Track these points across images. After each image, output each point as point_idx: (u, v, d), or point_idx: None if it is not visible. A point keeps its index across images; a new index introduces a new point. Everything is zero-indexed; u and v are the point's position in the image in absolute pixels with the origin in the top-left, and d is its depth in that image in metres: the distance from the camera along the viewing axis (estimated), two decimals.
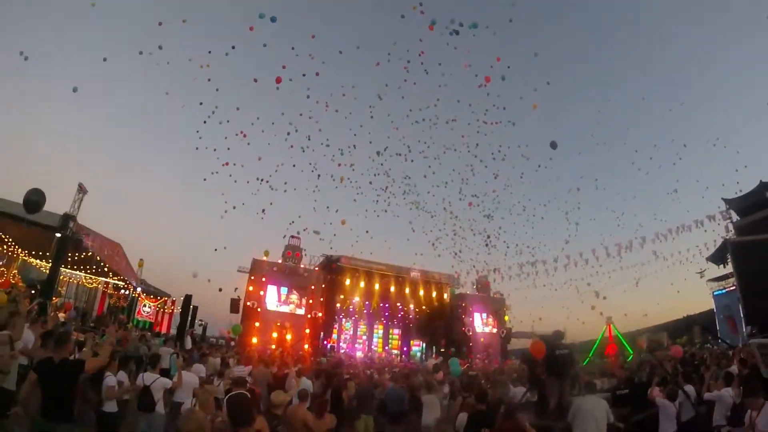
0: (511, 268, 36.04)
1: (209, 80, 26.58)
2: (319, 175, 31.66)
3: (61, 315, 22.33)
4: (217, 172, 28.96)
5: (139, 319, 35.87)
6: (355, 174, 33.01)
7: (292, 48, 28.14)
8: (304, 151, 30.18)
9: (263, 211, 30.92)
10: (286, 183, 31.87)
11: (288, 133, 29.28)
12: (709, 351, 26.84)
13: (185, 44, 45.94)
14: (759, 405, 7.80)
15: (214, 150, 28.70)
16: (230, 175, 28.59)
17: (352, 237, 36.54)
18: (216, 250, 34.05)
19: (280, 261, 38.32)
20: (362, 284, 40.08)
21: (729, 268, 33.53)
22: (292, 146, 29.77)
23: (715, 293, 36.78)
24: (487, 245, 34.98)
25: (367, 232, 37.00)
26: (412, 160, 32.64)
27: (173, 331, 35.79)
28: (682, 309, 39.44)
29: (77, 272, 33.38)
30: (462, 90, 33.22)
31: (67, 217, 24.29)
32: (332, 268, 40.18)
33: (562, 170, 66.62)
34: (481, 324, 42.42)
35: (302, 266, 39.31)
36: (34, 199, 19.81)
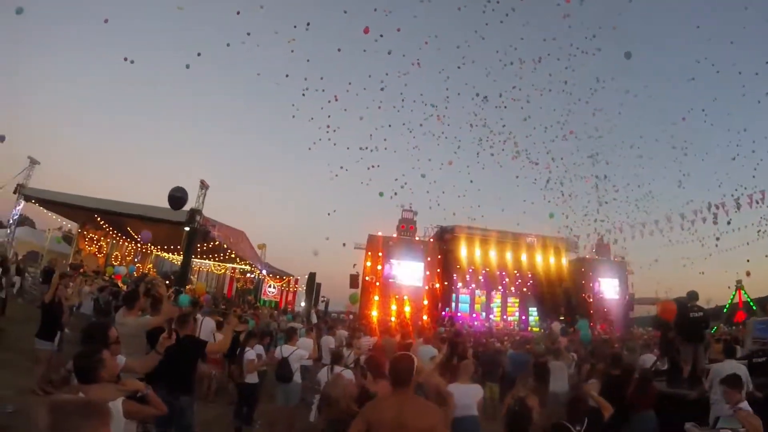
0: (633, 227, 34.56)
1: (292, 51, 28.58)
2: (421, 130, 32.04)
3: None
4: (320, 139, 30.08)
5: (265, 299, 37.60)
6: (452, 128, 33.12)
7: (375, 9, 28.46)
8: (398, 111, 30.83)
9: (370, 168, 31.41)
10: (385, 139, 32.56)
11: (381, 89, 29.83)
12: None
13: (268, 25, 47.20)
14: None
15: (311, 119, 29.68)
16: (329, 140, 29.61)
17: (459, 190, 36.14)
18: (329, 214, 35.06)
19: (394, 235, 38.92)
20: (478, 253, 39.99)
21: None
22: (379, 107, 30.37)
23: None
24: (596, 188, 33.67)
25: (471, 182, 36.41)
26: (505, 107, 32.15)
27: (296, 308, 37.45)
28: None
29: (206, 261, 35.70)
30: (545, 26, 32.48)
31: (194, 212, 25.46)
32: (447, 238, 40.34)
33: (665, 100, 60.19)
34: (602, 289, 41.14)
35: (417, 238, 39.74)
36: (178, 195, 21.15)
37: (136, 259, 34.01)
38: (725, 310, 33.11)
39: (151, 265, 35.66)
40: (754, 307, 31.46)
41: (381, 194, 32.41)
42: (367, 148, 30.62)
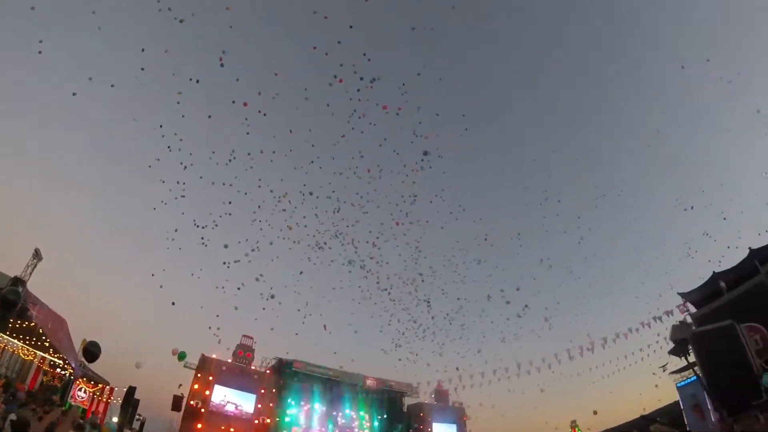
0: (472, 377, 35.50)
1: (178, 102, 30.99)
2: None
3: None
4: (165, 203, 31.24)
5: (73, 403, 34.40)
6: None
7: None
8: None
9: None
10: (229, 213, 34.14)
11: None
12: None
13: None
14: None
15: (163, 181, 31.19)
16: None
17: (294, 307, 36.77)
18: (173, 304, 33.95)
19: (230, 360, 37.71)
20: (316, 390, 38.78)
21: (691, 358, 32.59)
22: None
23: (678, 384, 34.83)
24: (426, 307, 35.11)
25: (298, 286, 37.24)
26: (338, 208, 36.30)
27: (107, 423, 34.50)
28: (645, 405, 36.95)
29: (15, 341, 33.19)
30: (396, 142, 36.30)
31: (18, 281, 22.96)
32: (285, 371, 39.21)
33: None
34: None
35: (253, 367, 38.57)
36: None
37: None
38: None
39: None
40: None
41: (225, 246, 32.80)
42: (206, 226, 32.09)
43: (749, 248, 30.47)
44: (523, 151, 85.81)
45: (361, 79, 29.07)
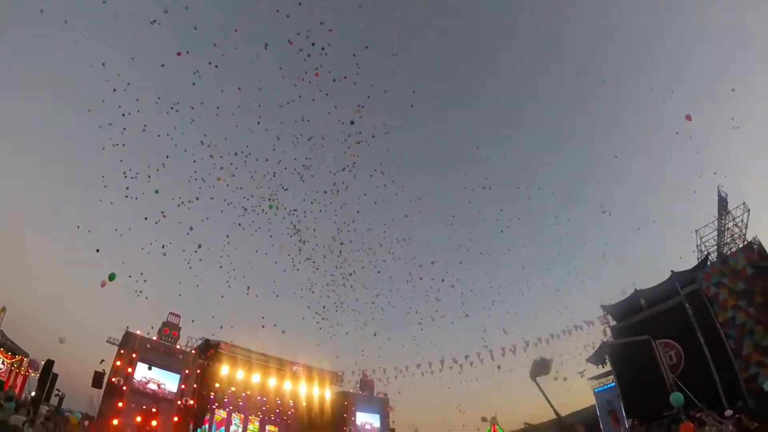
0: (395, 368, 36.09)
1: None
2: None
3: None
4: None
5: None
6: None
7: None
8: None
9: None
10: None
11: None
12: None
13: None
14: None
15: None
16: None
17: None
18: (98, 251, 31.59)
19: (155, 338, 36.71)
20: (240, 374, 38.37)
21: (608, 367, 34.25)
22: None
23: (596, 390, 36.64)
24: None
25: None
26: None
27: (25, 395, 33.31)
28: (565, 408, 38.84)
29: None
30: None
31: None
32: (210, 353, 38.54)
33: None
34: (363, 423, 40.42)
35: (178, 346, 37.71)
36: None
37: None
38: None
39: None
40: None
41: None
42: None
43: (671, 271, 32.03)
44: (468, 135, 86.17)
45: (313, 44, 28.70)
